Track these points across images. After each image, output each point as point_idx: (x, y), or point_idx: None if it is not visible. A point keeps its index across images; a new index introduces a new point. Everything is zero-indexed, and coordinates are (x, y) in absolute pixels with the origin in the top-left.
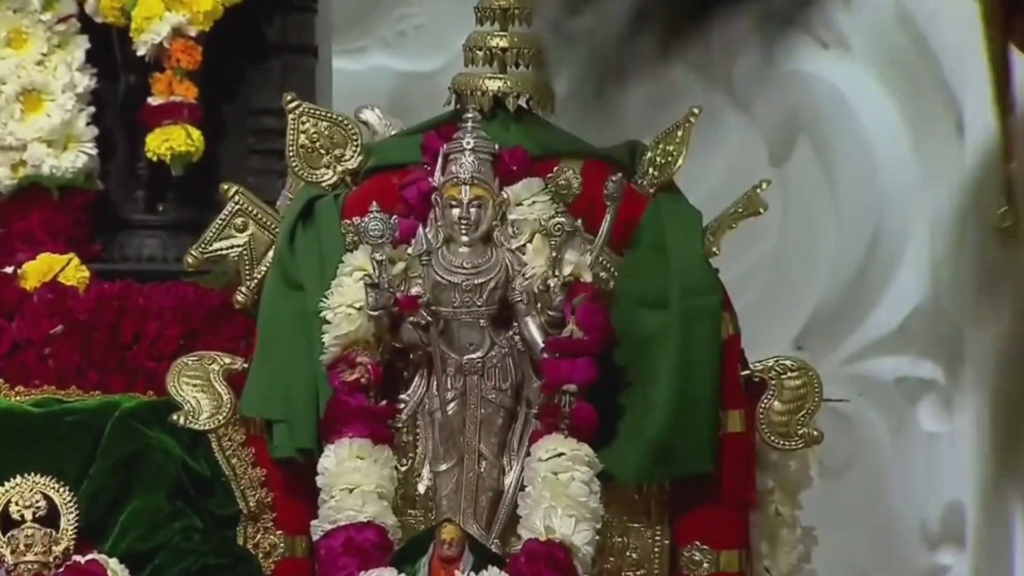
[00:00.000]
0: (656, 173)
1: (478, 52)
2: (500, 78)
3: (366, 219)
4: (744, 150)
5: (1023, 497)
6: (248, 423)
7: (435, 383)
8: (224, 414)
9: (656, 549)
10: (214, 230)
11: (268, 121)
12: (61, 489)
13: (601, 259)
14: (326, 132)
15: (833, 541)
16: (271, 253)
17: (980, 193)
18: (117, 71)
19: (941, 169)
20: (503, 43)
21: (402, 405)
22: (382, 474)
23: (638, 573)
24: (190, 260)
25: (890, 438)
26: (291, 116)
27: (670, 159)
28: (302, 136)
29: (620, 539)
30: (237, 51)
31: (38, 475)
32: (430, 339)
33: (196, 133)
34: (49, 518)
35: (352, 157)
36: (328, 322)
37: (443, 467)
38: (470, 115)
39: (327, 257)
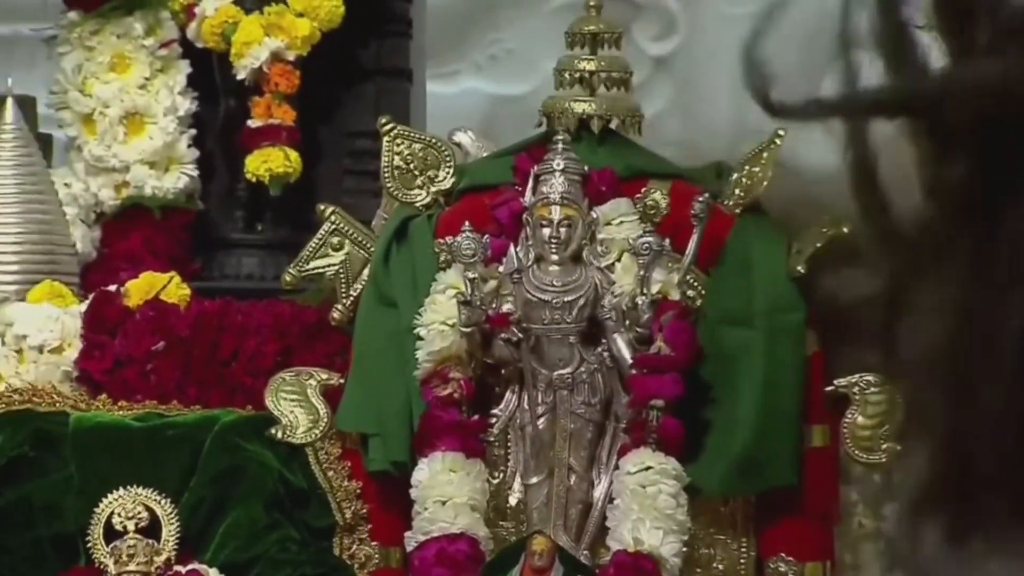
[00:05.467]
0: (742, 193)
1: (567, 75)
2: (589, 100)
3: (459, 238)
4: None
5: None
6: (344, 437)
7: (526, 398)
8: (321, 428)
9: (742, 561)
10: (311, 249)
11: (363, 143)
12: (162, 501)
13: (688, 277)
14: (420, 154)
15: None
16: (366, 271)
17: None
18: (217, 95)
19: None
20: (592, 66)
21: (494, 419)
22: (474, 487)
23: None
24: (287, 278)
25: None
26: (386, 138)
27: (756, 179)
28: (396, 157)
29: (707, 551)
30: (333, 75)
31: (140, 487)
32: (521, 355)
33: (294, 155)
34: (151, 529)
35: (445, 178)
36: (422, 339)
37: (534, 480)
38: (560, 137)
39: (421, 275)
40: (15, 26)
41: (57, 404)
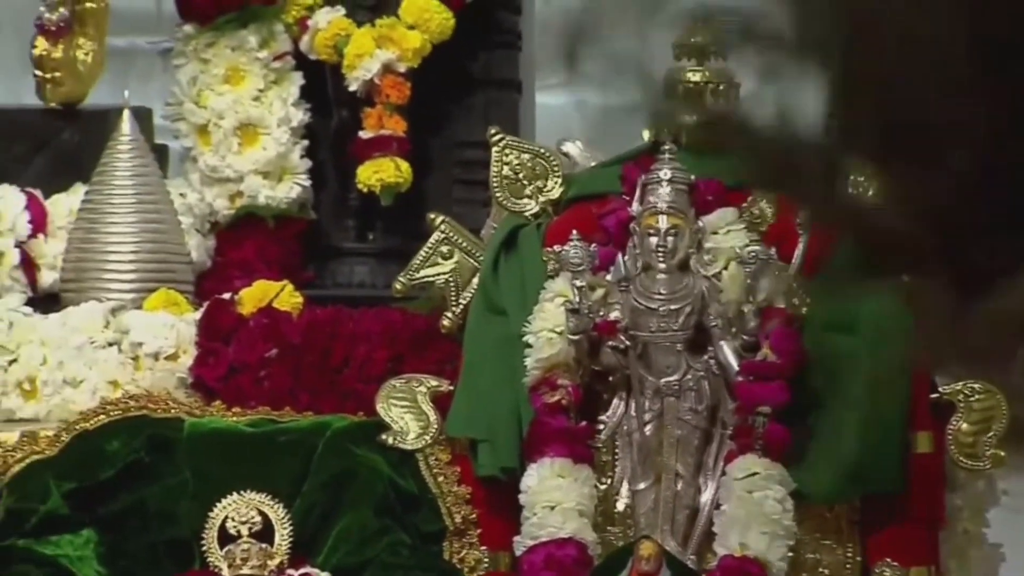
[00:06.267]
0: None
1: (675, 86)
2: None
3: (567, 247)
4: None
5: None
6: (453, 443)
7: (633, 405)
8: (431, 434)
9: (848, 566)
10: (421, 258)
11: (473, 153)
12: (275, 505)
13: (794, 286)
14: (528, 164)
15: (1021, 559)
16: (476, 280)
17: None
18: (330, 106)
19: None
20: (699, 77)
21: (601, 426)
22: (582, 492)
23: None
24: (398, 286)
25: None
26: (495, 148)
27: (861, 189)
28: (506, 167)
29: (813, 556)
30: (444, 86)
31: (253, 492)
32: (628, 362)
33: (404, 165)
34: (264, 533)
35: (553, 188)
36: (530, 346)
37: (641, 486)
38: (667, 147)
39: (529, 283)
40: (132, 39)
41: (172, 410)
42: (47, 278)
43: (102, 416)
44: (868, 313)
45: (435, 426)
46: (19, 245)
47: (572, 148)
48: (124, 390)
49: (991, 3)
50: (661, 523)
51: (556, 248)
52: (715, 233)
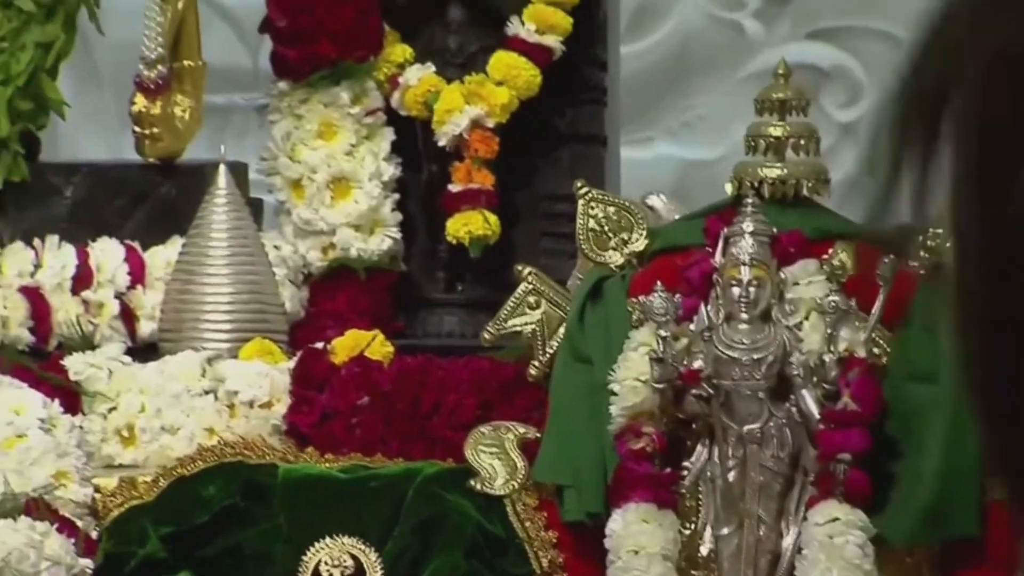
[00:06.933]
0: (927, 255)
1: (757, 141)
2: (778, 166)
3: (651, 298)
4: None
5: None
6: (540, 488)
7: (716, 451)
8: (518, 480)
9: None
10: (509, 308)
11: (559, 206)
12: (367, 549)
13: (874, 336)
14: (614, 216)
15: None
16: (562, 329)
17: None
18: (420, 160)
19: None
20: (781, 132)
21: (685, 472)
22: (667, 537)
23: None
24: (487, 336)
25: None
26: (581, 201)
27: (940, 240)
28: (591, 220)
29: None
30: (531, 141)
31: (346, 536)
32: (711, 410)
33: (493, 218)
34: None
35: (638, 240)
36: (615, 394)
37: (724, 531)
38: (750, 200)
39: (614, 333)
40: (229, 96)
41: (267, 456)
42: (145, 328)
43: (199, 462)
44: (948, 362)
45: (522, 472)
46: (118, 296)
47: (656, 201)
48: (220, 437)
49: None
50: (744, 567)
51: (641, 299)
52: (796, 284)
